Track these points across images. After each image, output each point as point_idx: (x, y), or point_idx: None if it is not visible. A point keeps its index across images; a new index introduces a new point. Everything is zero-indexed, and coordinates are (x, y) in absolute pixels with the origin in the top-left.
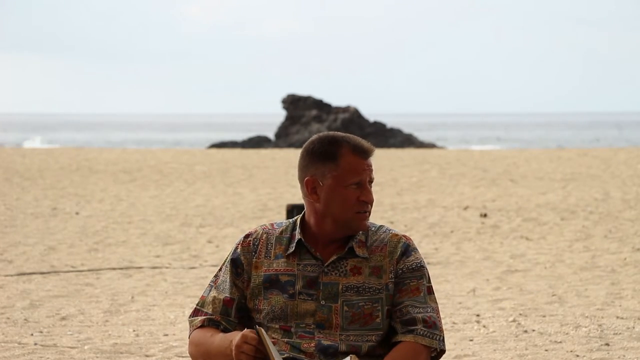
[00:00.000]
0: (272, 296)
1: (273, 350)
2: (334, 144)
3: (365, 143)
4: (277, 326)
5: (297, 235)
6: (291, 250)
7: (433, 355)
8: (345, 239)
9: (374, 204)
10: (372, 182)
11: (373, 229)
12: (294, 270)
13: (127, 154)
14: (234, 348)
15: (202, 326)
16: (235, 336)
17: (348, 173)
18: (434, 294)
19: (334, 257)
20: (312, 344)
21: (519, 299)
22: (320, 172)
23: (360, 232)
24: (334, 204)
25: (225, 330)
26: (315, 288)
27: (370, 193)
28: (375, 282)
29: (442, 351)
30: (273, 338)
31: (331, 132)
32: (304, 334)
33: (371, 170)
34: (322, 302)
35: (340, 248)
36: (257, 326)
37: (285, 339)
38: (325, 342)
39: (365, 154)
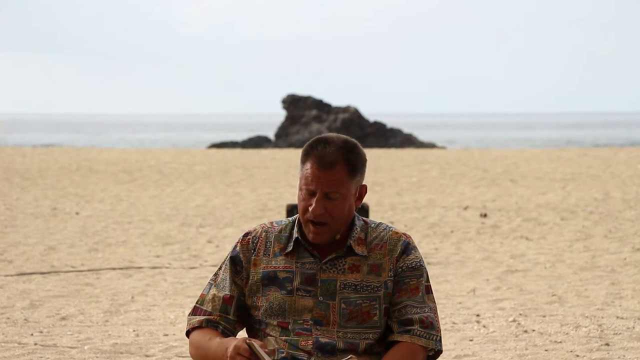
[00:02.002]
0: (270, 293)
1: (267, 359)
2: (309, 147)
3: (326, 158)
4: (275, 323)
5: (295, 234)
6: (289, 248)
7: (430, 354)
8: (342, 237)
9: (374, 204)
10: (330, 196)
11: (372, 225)
12: (292, 267)
13: (127, 154)
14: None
15: (200, 327)
16: (231, 343)
17: (303, 178)
18: (432, 293)
19: (332, 255)
20: (310, 341)
21: (519, 299)
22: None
23: (359, 229)
24: (298, 202)
25: (224, 330)
26: (313, 285)
27: (317, 209)
28: (373, 280)
29: (439, 351)
30: (271, 336)
31: (323, 135)
32: (302, 330)
33: (327, 185)
34: (320, 299)
35: (339, 246)
36: (248, 340)
37: (283, 337)
38: (323, 340)
39: (320, 167)
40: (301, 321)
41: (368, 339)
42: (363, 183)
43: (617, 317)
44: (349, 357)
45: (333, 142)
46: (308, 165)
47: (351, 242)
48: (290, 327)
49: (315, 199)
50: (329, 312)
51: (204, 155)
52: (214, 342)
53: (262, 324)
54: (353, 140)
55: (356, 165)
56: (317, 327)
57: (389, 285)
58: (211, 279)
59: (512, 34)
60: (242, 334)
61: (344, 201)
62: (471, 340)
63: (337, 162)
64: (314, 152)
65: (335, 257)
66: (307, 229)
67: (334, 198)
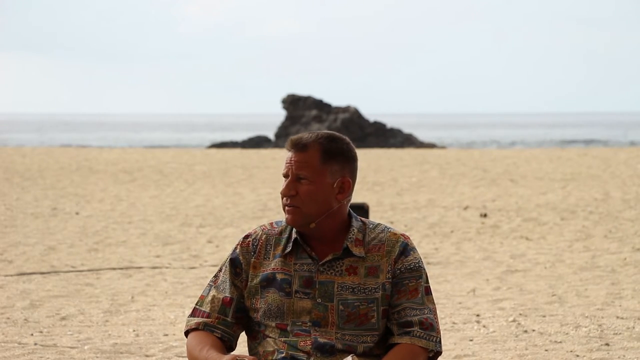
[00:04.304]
0: (268, 294)
1: None
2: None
3: (301, 141)
4: (273, 324)
5: (294, 235)
6: (288, 249)
7: (430, 356)
8: (341, 237)
9: (374, 204)
10: (296, 177)
11: (371, 226)
12: (290, 269)
13: (127, 154)
14: None
15: (197, 329)
16: None
17: (284, 164)
18: (431, 294)
19: (329, 257)
20: (309, 342)
21: (519, 299)
22: None
23: (356, 230)
24: None
25: (223, 334)
26: (311, 287)
27: (286, 189)
28: (371, 282)
29: (439, 352)
30: (270, 337)
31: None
32: (300, 332)
33: (294, 166)
34: (319, 301)
35: (337, 247)
36: (238, 357)
37: (282, 338)
38: (322, 340)
39: (294, 149)
40: (300, 323)
41: (366, 342)
42: (348, 179)
43: (617, 317)
44: (352, 356)
45: (316, 132)
46: (288, 152)
47: (348, 243)
48: (288, 328)
49: (287, 181)
50: (328, 314)
51: (204, 155)
52: (202, 354)
53: (261, 325)
54: (341, 135)
55: (331, 152)
56: (316, 328)
57: (387, 287)
58: (211, 281)
59: (512, 34)
60: (242, 336)
61: (315, 186)
62: (471, 340)
63: (310, 145)
64: (293, 138)
65: (332, 258)
66: (284, 210)
67: (304, 180)
